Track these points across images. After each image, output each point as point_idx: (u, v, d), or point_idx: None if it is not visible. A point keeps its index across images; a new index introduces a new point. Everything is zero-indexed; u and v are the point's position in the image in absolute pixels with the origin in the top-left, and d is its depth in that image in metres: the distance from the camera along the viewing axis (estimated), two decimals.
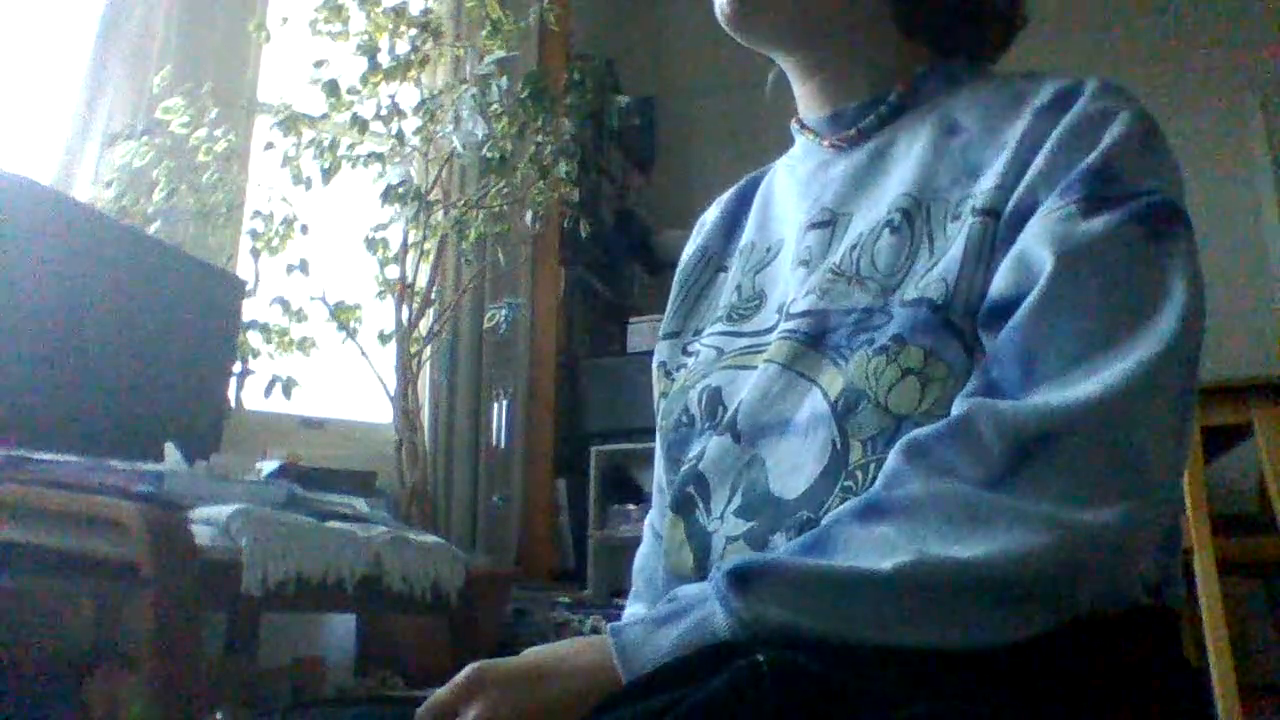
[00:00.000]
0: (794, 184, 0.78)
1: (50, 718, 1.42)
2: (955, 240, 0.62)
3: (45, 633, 1.67)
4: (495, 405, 3.16)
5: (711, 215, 0.87)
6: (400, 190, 2.67)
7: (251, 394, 2.50)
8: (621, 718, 0.41)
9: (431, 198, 2.79)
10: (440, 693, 0.52)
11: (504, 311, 2.87)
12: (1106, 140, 0.60)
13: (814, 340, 0.64)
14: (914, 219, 0.65)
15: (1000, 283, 0.58)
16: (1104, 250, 0.56)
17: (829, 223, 0.71)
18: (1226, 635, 1.89)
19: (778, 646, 0.45)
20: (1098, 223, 0.56)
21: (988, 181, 0.63)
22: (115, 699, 1.40)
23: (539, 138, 2.83)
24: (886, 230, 0.66)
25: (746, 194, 0.85)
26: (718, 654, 0.46)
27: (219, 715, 1.26)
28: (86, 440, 1.53)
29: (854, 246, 0.67)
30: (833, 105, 0.75)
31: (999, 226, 0.61)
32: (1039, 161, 0.61)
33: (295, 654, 2.11)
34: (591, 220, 3.06)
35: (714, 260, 0.83)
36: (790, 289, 0.70)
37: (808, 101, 0.78)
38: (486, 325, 2.99)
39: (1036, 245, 0.57)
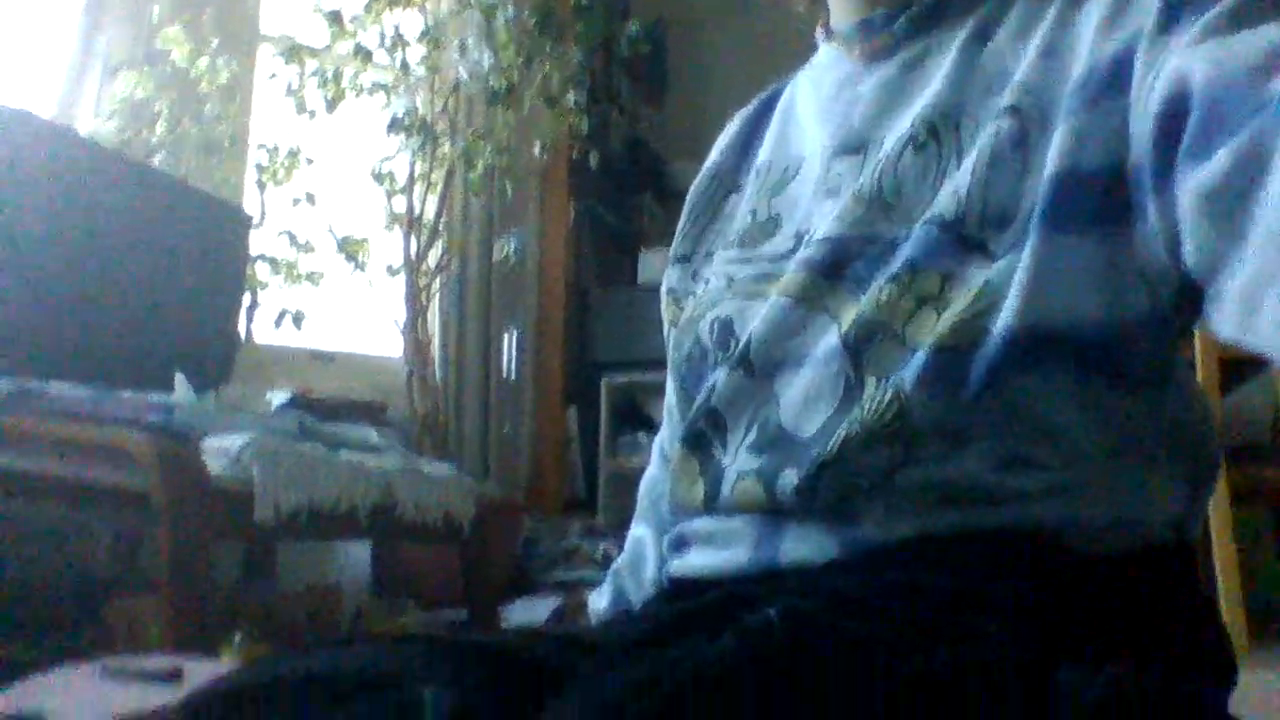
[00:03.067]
0: (817, 98, 0.73)
1: (73, 641, 1.46)
2: (974, 151, 0.58)
3: (67, 559, 1.71)
4: (505, 337, 3.16)
5: (730, 130, 0.82)
6: (406, 122, 2.63)
7: (262, 327, 2.51)
8: (631, 671, 0.41)
9: (438, 129, 2.75)
10: None
11: (512, 243, 2.85)
12: None
13: (831, 270, 0.61)
14: (941, 137, 0.61)
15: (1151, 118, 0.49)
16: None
17: (859, 149, 0.66)
18: (1236, 565, 1.89)
19: (792, 597, 0.44)
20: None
21: (1014, 80, 0.59)
22: (135, 623, 1.44)
23: (546, 66, 2.77)
24: (910, 148, 0.61)
25: (766, 107, 0.80)
26: (730, 605, 0.45)
27: (237, 638, 1.29)
28: (96, 372, 1.54)
29: (875, 166, 0.62)
30: (863, 11, 0.70)
31: (1032, 118, 0.56)
32: (1096, 21, 0.55)
33: (312, 579, 2.15)
34: (601, 151, 3.02)
35: (726, 179, 0.78)
36: (814, 218, 0.66)
37: (839, 8, 0.73)
38: (495, 257, 2.98)
39: (1181, 63, 0.48)
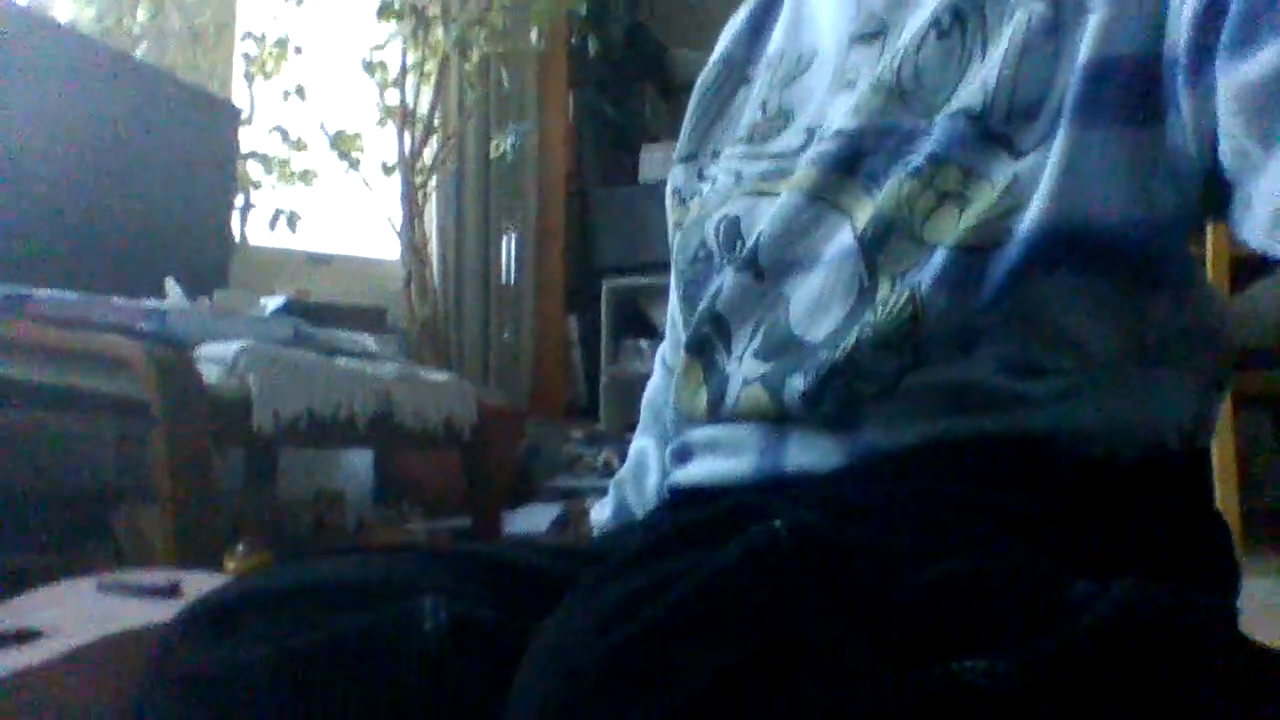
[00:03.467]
0: None
1: (81, 549, 1.47)
2: (1004, 39, 0.54)
3: (70, 468, 1.71)
4: (504, 239, 3.10)
5: (738, 18, 0.78)
6: (396, 6, 2.52)
7: (256, 228, 2.46)
8: (631, 583, 0.39)
9: (430, 14, 2.63)
10: None
11: (510, 138, 2.76)
12: None
13: (846, 165, 0.58)
14: (966, 21, 0.57)
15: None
16: None
17: (878, 34, 0.62)
18: (1235, 469, 1.90)
19: (798, 507, 0.42)
20: None
21: None
22: (141, 531, 1.44)
23: None
24: (933, 33, 0.58)
25: None
26: (734, 516, 0.43)
27: (241, 546, 1.29)
28: (83, 277, 1.50)
29: (895, 55, 0.59)
30: None
31: (1067, 3, 0.53)
32: None
33: (316, 486, 2.16)
34: (601, 38, 2.89)
35: (736, 71, 0.74)
36: (827, 112, 0.63)
37: None
38: (493, 154, 2.90)
39: None
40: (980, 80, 0.54)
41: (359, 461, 2.33)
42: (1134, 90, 0.50)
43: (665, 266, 0.77)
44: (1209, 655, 0.38)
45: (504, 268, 3.11)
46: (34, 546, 1.41)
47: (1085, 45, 0.51)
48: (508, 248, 3.11)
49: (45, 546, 1.43)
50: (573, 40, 2.88)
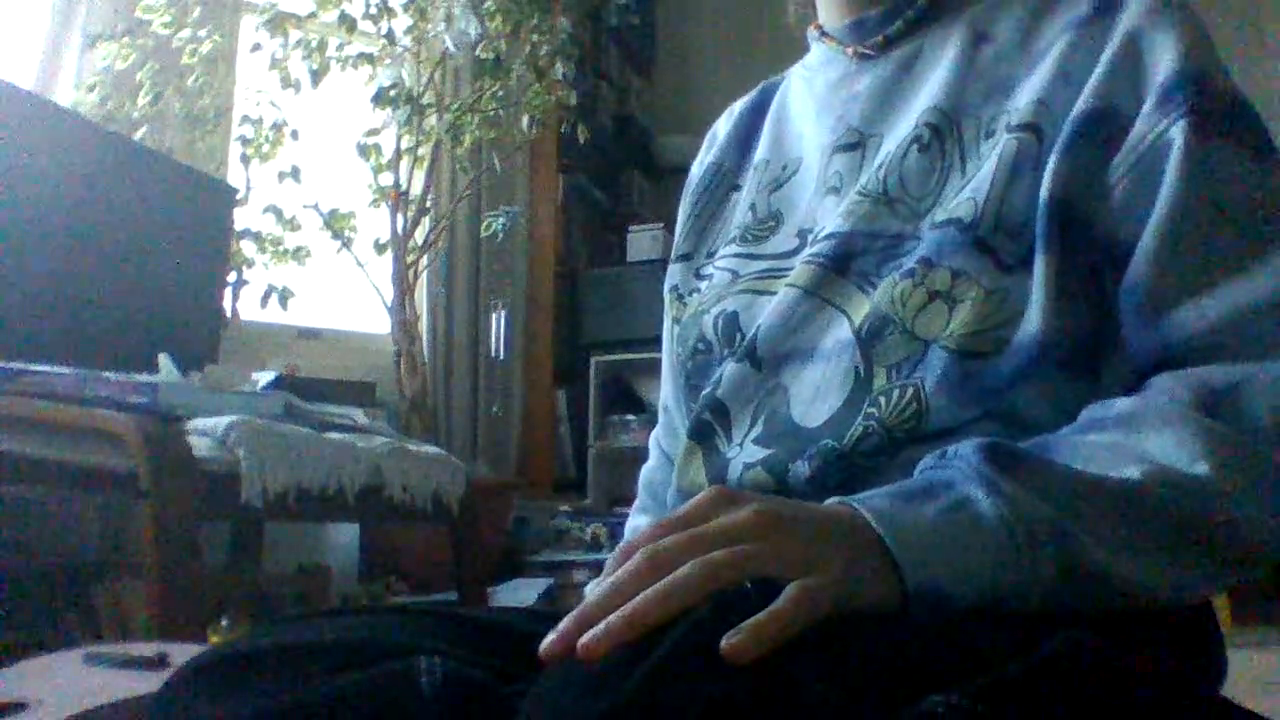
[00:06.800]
0: (812, 98, 0.74)
1: (60, 624, 1.45)
2: (987, 159, 0.60)
3: (54, 542, 1.69)
4: (494, 315, 3.14)
5: (724, 128, 0.83)
6: (392, 93, 2.59)
7: (248, 304, 2.48)
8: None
9: (424, 101, 2.72)
10: (682, 511, 0.45)
11: (501, 220, 2.82)
12: (1181, 47, 0.57)
13: (840, 265, 0.62)
14: (944, 137, 0.63)
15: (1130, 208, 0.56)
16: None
17: (857, 145, 0.68)
18: None
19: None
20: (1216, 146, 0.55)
21: (1024, 97, 0.61)
22: (123, 606, 1.43)
23: (535, 36, 2.74)
24: (915, 147, 0.63)
25: (761, 105, 0.81)
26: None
27: (224, 621, 1.28)
28: (78, 352, 1.51)
29: (880, 165, 0.64)
30: (855, 12, 0.72)
31: (1048, 139, 0.58)
32: (1106, 67, 0.58)
33: (301, 562, 2.14)
34: (590, 125, 2.99)
35: (727, 177, 0.79)
36: (817, 216, 0.68)
37: (828, 7, 0.74)
38: (483, 234, 2.95)
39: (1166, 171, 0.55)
40: (969, 194, 0.59)
41: (344, 537, 2.31)
42: (1082, 230, 0.56)
43: (652, 343, 0.80)
44: (1151, 685, 0.39)
45: (493, 343, 3.14)
46: (14, 622, 1.39)
47: (1045, 183, 0.56)
48: (497, 324, 3.14)
49: (24, 621, 1.41)
50: (563, 128, 2.97)
